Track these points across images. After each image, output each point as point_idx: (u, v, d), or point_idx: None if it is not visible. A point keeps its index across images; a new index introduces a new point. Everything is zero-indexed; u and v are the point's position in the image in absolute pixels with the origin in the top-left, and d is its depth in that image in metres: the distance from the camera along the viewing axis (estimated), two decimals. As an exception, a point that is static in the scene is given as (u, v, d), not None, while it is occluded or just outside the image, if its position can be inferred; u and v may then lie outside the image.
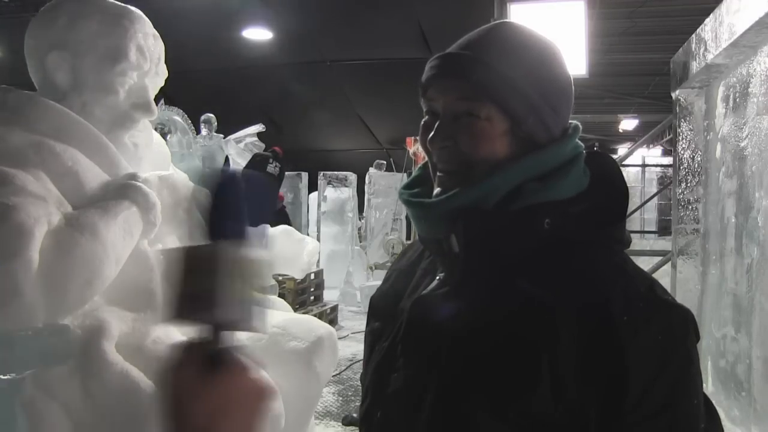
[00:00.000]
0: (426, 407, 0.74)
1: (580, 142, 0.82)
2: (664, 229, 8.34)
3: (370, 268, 8.62)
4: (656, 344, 0.68)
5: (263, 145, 8.91)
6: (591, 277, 0.72)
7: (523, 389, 0.68)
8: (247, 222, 0.59)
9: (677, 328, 0.70)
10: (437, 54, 0.81)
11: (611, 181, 0.80)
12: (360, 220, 9.95)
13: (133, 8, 2.13)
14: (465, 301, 0.76)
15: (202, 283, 0.55)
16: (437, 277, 0.82)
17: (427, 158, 0.83)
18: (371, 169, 9.70)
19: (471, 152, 0.76)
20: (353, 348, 5.42)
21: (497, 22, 0.83)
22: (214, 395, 0.53)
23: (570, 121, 0.83)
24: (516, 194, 0.75)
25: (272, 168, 8.68)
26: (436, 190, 0.80)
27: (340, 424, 3.83)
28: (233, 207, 0.60)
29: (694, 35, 3.12)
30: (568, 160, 0.78)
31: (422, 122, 0.82)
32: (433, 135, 0.78)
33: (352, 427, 3.68)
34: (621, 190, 0.80)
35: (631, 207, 7.75)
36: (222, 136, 7.97)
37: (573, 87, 0.83)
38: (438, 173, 0.80)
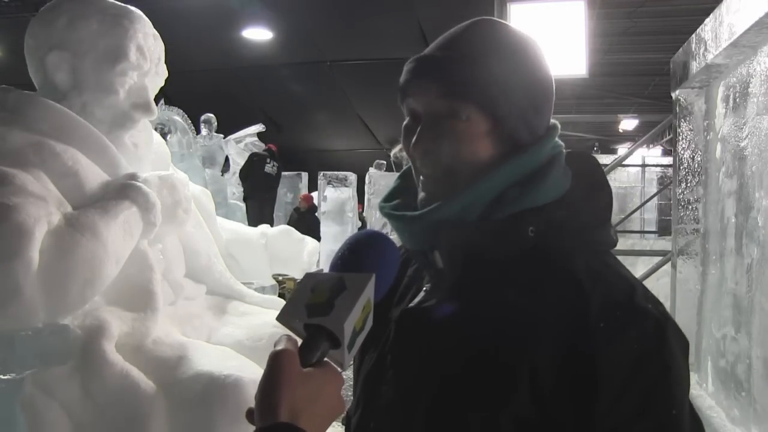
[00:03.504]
0: (418, 421, 0.73)
1: (559, 141, 0.80)
2: (664, 229, 8.32)
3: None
4: (630, 353, 0.67)
5: (263, 145, 8.91)
6: (571, 283, 0.71)
7: (508, 399, 0.68)
8: (382, 275, 0.67)
9: (653, 337, 0.68)
10: (414, 56, 0.79)
11: (593, 181, 0.79)
12: (360, 220, 9.94)
13: (133, 8, 2.13)
14: (452, 314, 0.75)
15: (333, 297, 0.62)
16: (424, 288, 0.81)
17: (410, 161, 0.82)
18: (371, 169, 9.68)
19: (453, 156, 0.74)
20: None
21: (476, 19, 0.80)
22: (310, 385, 0.59)
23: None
24: (497, 203, 0.74)
25: (270, 168, 8.68)
26: (421, 194, 0.79)
27: (340, 423, 3.84)
28: (379, 257, 0.69)
29: (694, 35, 3.12)
30: (548, 162, 0.76)
31: (404, 125, 0.80)
32: (415, 140, 0.76)
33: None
34: (603, 190, 0.79)
35: (631, 207, 7.74)
36: (222, 136, 7.96)
37: (554, 86, 0.81)
38: (422, 177, 0.79)
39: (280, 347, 0.61)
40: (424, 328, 0.76)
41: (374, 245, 0.70)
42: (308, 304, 0.63)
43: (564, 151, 0.80)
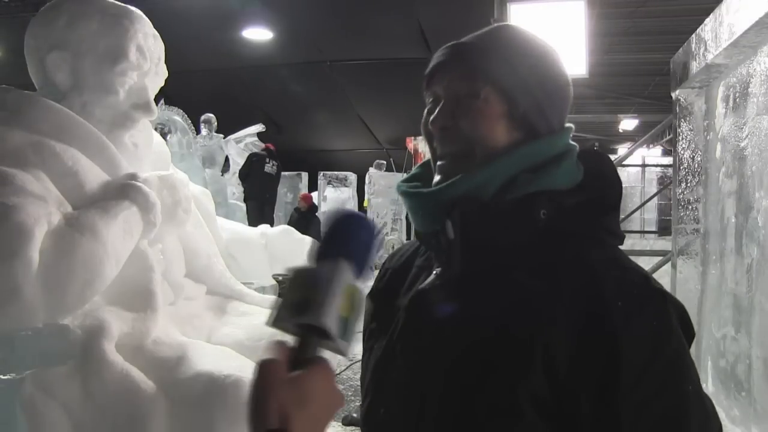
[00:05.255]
0: (431, 403, 0.74)
1: (573, 142, 0.84)
2: (664, 229, 8.34)
3: (371, 267, 8.59)
4: (650, 331, 0.68)
5: (263, 145, 8.91)
6: (585, 267, 0.72)
7: (522, 378, 0.69)
8: (356, 255, 0.67)
9: (671, 315, 0.71)
10: (442, 46, 0.84)
11: (605, 175, 0.82)
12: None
13: (133, 8, 2.13)
14: (463, 294, 0.76)
15: (308, 293, 0.62)
16: (434, 272, 0.82)
17: (429, 151, 0.85)
18: (371, 169, 9.69)
19: (470, 132, 0.78)
20: (353, 348, 5.40)
21: (503, 23, 0.87)
22: (298, 388, 0.59)
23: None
24: (511, 185, 0.77)
25: (270, 167, 8.67)
26: (436, 178, 0.81)
27: (340, 424, 3.84)
28: (347, 239, 0.68)
29: (694, 35, 3.12)
30: (561, 153, 0.80)
31: (426, 109, 0.84)
32: (435, 116, 0.81)
33: (352, 427, 3.68)
34: (615, 182, 0.82)
35: (631, 207, 7.73)
36: (222, 136, 7.96)
37: (571, 90, 0.85)
38: (438, 162, 0.82)
39: (266, 356, 0.61)
40: (435, 310, 0.77)
41: (341, 227, 0.69)
42: (292, 303, 0.63)
43: (577, 149, 0.83)
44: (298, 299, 0.63)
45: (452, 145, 0.80)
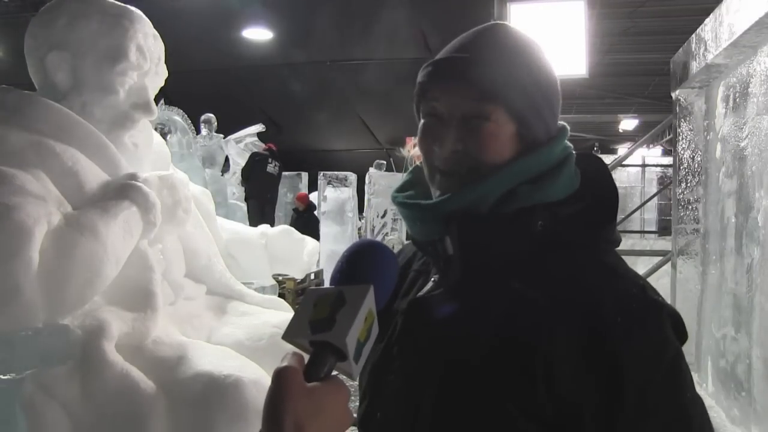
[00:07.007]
0: (426, 408, 0.74)
1: (568, 143, 0.83)
2: (664, 229, 8.34)
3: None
4: (649, 345, 0.69)
5: (263, 145, 8.91)
6: (583, 278, 0.72)
7: (518, 388, 0.69)
8: (382, 285, 0.68)
9: (668, 326, 0.71)
10: (434, 58, 0.81)
11: (601, 183, 0.81)
12: (360, 220, 9.94)
13: (133, 8, 2.13)
14: (460, 303, 0.76)
15: (335, 312, 0.63)
16: (431, 279, 0.82)
17: (423, 160, 0.83)
18: (371, 169, 9.67)
19: (480, 156, 0.76)
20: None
21: (489, 24, 0.83)
22: (315, 399, 0.60)
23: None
24: (509, 197, 0.76)
25: (272, 168, 8.67)
26: (436, 193, 0.80)
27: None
28: (377, 267, 0.69)
29: (694, 35, 3.12)
30: (560, 162, 0.79)
31: (423, 124, 0.81)
32: (444, 140, 0.78)
33: (352, 427, 3.69)
34: (611, 191, 0.81)
35: (631, 207, 7.73)
36: (222, 136, 7.95)
37: (559, 83, 0.84)
38: (439, 175, 0.80)
39: (284, 363, 0.61)
40: (432, 317, 0.77)
41: (371, 255, 0.70)
42: (311, 320, 0.63)
43: (574, 152, 0.82)
44: (324, 317, 0.63)
45: (460, 167, 0.78)
